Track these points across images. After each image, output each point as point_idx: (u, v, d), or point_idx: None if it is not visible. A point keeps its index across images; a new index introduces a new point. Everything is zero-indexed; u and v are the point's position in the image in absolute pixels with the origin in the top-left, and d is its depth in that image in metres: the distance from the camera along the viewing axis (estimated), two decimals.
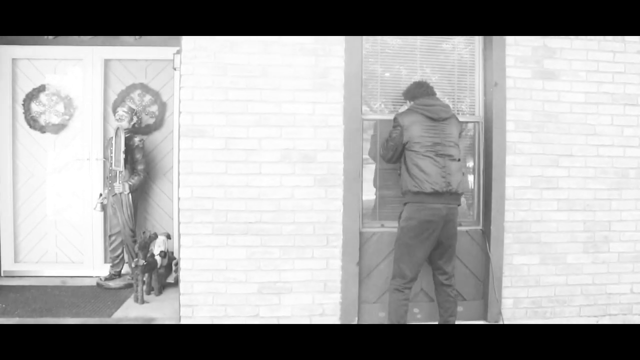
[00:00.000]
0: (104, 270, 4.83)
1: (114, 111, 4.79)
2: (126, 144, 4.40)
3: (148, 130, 4.97)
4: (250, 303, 3.61)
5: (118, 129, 4.39)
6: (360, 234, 3.74)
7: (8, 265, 4.91)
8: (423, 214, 3.29)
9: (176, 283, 4.46)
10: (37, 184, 4.94)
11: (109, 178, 4.54)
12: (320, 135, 3.63)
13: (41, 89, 4.89)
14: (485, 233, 3.83)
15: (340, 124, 3.66)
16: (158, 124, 4.98)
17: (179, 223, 3.57)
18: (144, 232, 4.15)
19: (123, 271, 4.66)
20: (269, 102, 3.59)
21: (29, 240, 4.95)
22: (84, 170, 4.89)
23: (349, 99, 3.68)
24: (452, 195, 3.33)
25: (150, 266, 4.11)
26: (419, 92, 3.56)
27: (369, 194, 3.88)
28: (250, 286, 3.60)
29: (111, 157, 4.48)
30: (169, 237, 4.46)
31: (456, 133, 3.44)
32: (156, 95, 4.97)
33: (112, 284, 4.50)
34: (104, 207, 4.60)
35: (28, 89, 4.88)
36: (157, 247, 4.30)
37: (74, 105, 4.91)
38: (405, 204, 3.41)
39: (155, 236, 4.25)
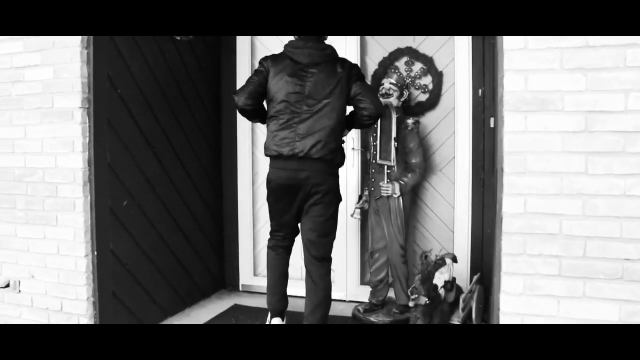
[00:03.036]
0: (360, 294, 3.93)
1: (375, 86, 3.88)
2: (397, 128, 3.44)
3: (420, 109, 3.83)
4: None
5: (385, 106, 3.43)
6: None
7: (246, 279, 4.28)
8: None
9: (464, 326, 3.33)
10: None
11: (371, 175, 3.63)
12: None
13: None
14: None
15: None
16: (432, 102, 3.82)
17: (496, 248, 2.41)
18: (426, 256, 3.08)
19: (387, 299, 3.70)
20: None
21: None
22: None
23: None
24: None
25: (433, 304, 3.04)
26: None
27: None
28: None
29: (374, 146, 3.55)
30: (455, 259, 3.35)
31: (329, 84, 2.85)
32: (429, 63, 3.83)
33: (373, 318, 3.53)
34: (363, 214, 3.73)
35: None
36: (441, 275, 3.23)
37: None
38: None
39: (443, 262, 3.17)
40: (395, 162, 3.30)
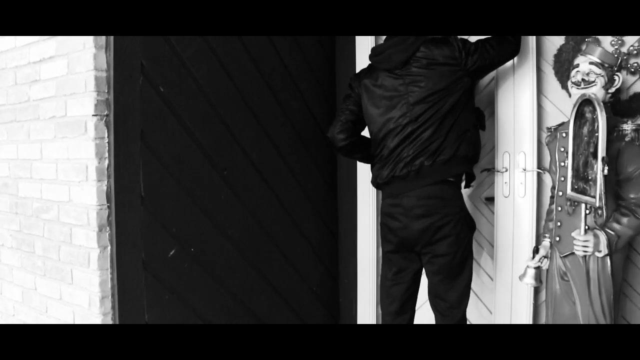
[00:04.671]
0: None
1: (562, 69, 2.48)
2: (607, 139, 2.00)
3: (637, 107, 2.41)
4: None
5: (583, 101, 2.02)
6: None
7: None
8: None
9: None
10: None
11: (555, 215, 2.22)
12: None
13: None
14: None
15: None
16: None
17: None
18: None
19: None
20: None
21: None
22: (495, 191, 2.63)
23: None
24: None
25: None
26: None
27: None
28: None
29: (562, 167, 2.16)
30: None
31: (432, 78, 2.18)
32: None
33: None
34: (540, 279, 2.36)
35: None
36: None
37: None
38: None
39: None
40: (603, 198, 1.89)
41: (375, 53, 2.31)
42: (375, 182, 2.37)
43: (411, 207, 2.20)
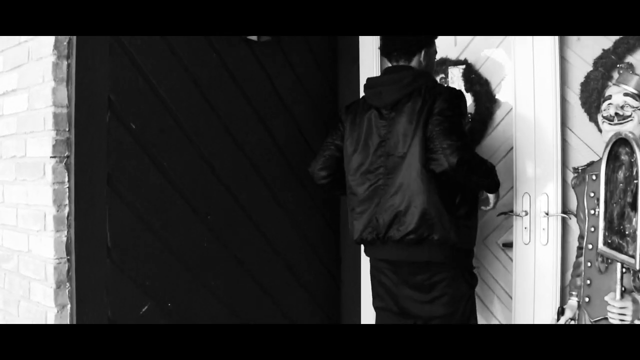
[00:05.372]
0: None
1: (590, 100, 2.19)
2: None
3: None
4: None
5: (618, 140, 1.73)
6: None
7: None
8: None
9: None
10: None
11: (584, 272, 1.87)
12: None
13: None
14: None
15: None
16: None
17: None
18: None
19: None
20: None
21: None
22: (514, 237, 2.29)
23: None
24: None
25: None
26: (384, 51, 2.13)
27: None
28: None
29: (592, 215, 1.84)
30: None
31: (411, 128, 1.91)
32: None
33: None
34: None
35: None
36: None
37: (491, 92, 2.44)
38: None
39: None
40: None
41: (369, 85, 2.08)
42: (355, 240, 2.13)
43: (398, 262, 1.95)
